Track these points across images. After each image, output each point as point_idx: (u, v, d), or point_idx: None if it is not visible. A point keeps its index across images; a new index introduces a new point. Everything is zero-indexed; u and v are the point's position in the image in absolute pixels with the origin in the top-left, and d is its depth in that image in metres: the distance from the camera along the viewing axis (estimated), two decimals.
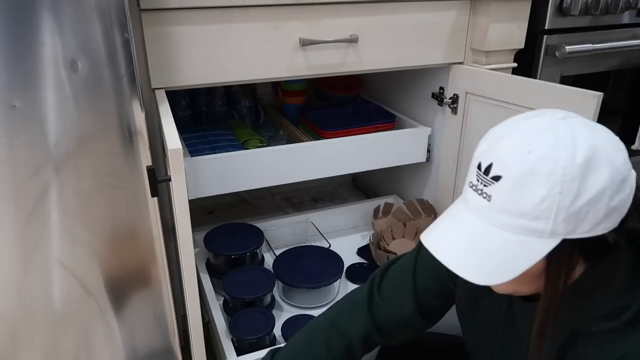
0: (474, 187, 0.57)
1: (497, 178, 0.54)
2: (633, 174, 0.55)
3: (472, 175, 0.58)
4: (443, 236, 0.60)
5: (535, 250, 0.53)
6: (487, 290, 0.65)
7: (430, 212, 1.39)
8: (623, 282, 0.56)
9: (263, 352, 0.96)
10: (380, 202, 1.55)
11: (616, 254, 0.57)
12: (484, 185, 0.56)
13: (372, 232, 1.41)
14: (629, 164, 0.54)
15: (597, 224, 0.53)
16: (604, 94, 0.89)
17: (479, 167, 0.57)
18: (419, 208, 1.41)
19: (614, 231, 0.54)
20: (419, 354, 0.92)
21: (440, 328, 0.88)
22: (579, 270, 0.58)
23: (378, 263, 1.33)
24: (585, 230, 0.53)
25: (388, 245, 1.36)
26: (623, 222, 0.55)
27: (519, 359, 0.66)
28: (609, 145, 0.53)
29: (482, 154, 0.57)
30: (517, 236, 0.54)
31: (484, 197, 0.56)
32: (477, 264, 0.55)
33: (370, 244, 1.36)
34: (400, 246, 1.37)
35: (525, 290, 0.60)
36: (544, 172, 0.52)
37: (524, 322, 0.66)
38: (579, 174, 0.51)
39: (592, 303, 0.58)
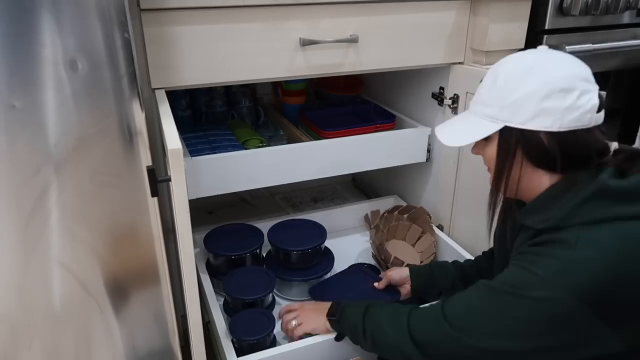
0: None
1: (481, 80, 0.82)
2: (586, 94, 0.72)
3: None
4: (445, 122, 0.92)
5: (486, 128, 0.79)
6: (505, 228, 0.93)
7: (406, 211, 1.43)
8: (563, 198, 0.74)
9: (263, 353, 0.96)
10: (380, 202, 1.56)
11: (570, 177, 0.75)
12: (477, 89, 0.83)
13: (371, 239, 1.38)
14: (573, 82, 0.72)
15: (529, 118, 0.73)
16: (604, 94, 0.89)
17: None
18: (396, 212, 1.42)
19: (552, 136, 0.73)
20: None
21: None
22: (538, 179, 0.78)
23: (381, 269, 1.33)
24: (520, 121, 0.74)
25: (390, 259, 1.30)
26: (578, 142, 0.73)
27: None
28: (553, 66, 0.74)
29: None
30: (479, 119, 0.80)
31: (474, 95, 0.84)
32: (451, 133, 0.86)
33: (372, 256, 1.37)
34: (401, 251, 1.38)
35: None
36: (498, 73, 0.78)
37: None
38: (518, 76, 0.75)
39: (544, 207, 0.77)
